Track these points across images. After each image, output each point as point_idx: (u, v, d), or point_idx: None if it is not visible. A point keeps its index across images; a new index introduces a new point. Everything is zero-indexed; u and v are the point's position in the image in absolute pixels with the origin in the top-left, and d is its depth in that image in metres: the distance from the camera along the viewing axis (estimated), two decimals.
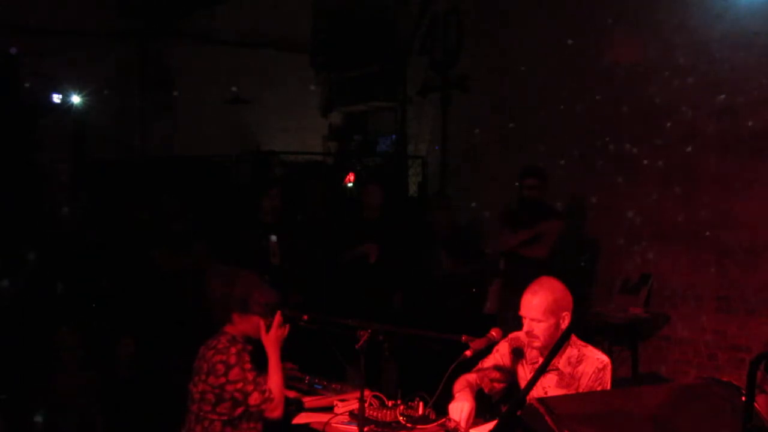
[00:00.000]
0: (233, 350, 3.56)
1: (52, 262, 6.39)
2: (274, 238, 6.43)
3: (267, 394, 3.55)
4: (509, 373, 3.72)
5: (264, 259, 6.34)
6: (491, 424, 3.42)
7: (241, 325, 3.69)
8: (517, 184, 6.51)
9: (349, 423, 3.61)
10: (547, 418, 2.11)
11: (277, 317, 3.73)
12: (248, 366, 3.56)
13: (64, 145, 9.50)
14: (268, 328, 3.70)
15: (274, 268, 6.33)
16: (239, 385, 3.50)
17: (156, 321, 5.93)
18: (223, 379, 3.50)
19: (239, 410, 3.54)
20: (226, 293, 3.67)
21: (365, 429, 3.41)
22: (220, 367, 3.51)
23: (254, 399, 3.52)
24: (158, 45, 10.31)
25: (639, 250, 7.00)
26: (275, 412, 3.58)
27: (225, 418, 3.53)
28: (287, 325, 3.77)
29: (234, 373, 3.50)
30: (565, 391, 3.45)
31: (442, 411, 3.54)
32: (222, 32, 10.44)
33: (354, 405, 3.62)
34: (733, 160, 6.41)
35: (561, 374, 3.50)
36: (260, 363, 3.68)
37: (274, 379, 3.63)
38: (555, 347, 2.79)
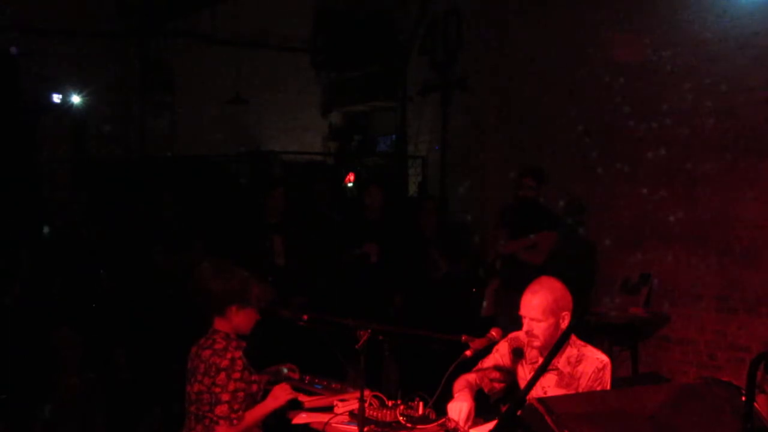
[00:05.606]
0: (229, 355, 3.52)
1: (52, 262, 6.39)
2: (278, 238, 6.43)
3: (234, 416, 3.49)
4: (509, 373, 3.72)
5: (269, 260, 6.34)
6: (491, 424, 3.42)
7: (236, 318, 3.63)
8: (514, 181, 6.53)
9: (349, 423, 3.61)
10: (547, 418, 2.11)
11: (283, 393, 3.69)
12: (236, 375, 3.51)
13: (64, 145, 9.51)
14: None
15: (279, 269, 6.33)
16: (217, 390, 3.48)
17: (155, 321, 5.93)
18: (211, 380, 3.50)
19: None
20: (225, 286, 3.60)
21: (365, 429, 3.40)
22: (214, 369, 3.50)
23: (221, 410, 3.47)
24: (158, 45, 10.30)
25: (639, 250, 7.00)
26: None
27: None
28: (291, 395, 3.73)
29: (220, 378, 3.48)
30: (564, 391, 3.44)
31: (442, 411, 3.54)
32: (222, 32, 10.44)
33: (354, 405, 3.61)
34: (733, 160, 6.41)
35: (561, 374, 3.49)
36: (249, 358, 3.66)
37: (256, 415, 3.59)
38: (555, 347, 2.78)
